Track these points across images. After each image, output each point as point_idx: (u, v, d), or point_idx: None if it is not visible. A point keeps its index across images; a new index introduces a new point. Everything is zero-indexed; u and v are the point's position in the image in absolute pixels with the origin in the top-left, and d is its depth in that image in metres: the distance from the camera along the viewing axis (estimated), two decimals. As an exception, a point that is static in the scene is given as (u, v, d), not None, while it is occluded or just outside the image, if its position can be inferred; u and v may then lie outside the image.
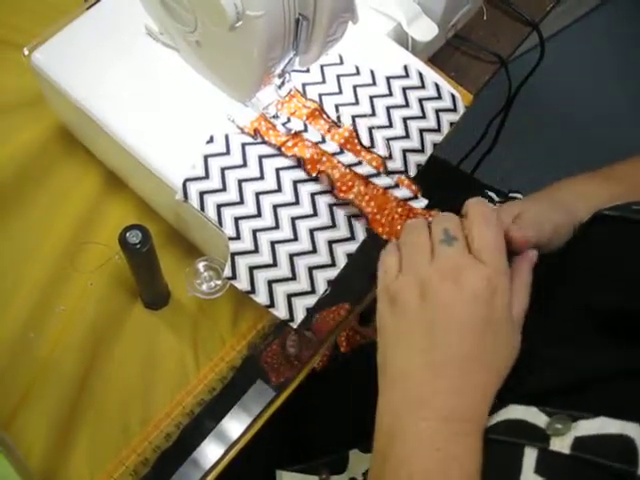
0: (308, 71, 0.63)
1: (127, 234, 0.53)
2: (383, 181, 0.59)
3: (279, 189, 0.58)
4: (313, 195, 0.59)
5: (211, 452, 0.60)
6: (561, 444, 0.42)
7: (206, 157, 0.58)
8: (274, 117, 0.59)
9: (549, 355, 0.50)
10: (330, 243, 0.58)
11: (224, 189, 0.57)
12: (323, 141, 0.58)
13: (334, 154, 0.58)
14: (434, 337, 0.47)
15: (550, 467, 0.42)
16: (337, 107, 0.62)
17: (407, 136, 0.62)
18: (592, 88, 1.92)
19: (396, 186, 0.59)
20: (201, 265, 0.58)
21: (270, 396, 0.61)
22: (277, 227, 0.57)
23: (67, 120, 0.70)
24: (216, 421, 0.60)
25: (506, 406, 0.47)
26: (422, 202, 0.58)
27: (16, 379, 0.59)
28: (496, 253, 0.49)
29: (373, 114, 0.62)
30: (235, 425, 0.61)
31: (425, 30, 0.70)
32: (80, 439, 0.58)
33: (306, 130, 0.58)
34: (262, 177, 0.58)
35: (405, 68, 0.65)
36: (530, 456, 0.43)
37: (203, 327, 0.64)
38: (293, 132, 0.58)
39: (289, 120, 0.59)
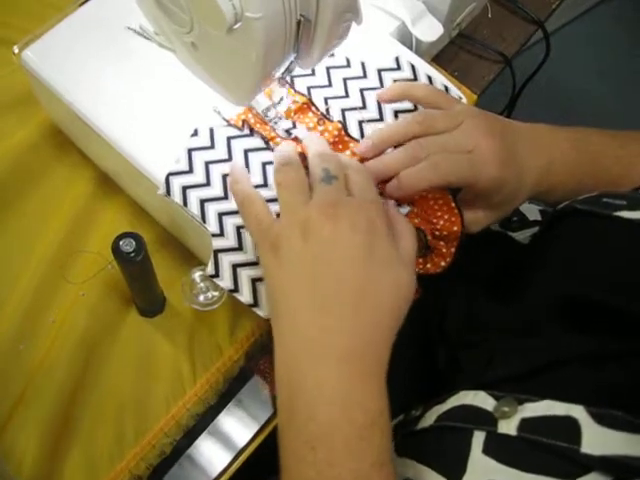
0: None
1: (120, 242, 0.52)
2: None
3: (265, 184, 0.56)
4: None
5: (208, 466, 0.58)
6: (508, 426, 0.43)
7: (190, 151, 0.56)
8: (274, 122, 0.57)
9: (508, 346, 0.51)
10: None
11: (208, 184, 0.55)
12: None
13: None
14: (318, 274, 0.46)
15: (497, 448, 0.42)
16: (326, 100, 0.60)
17: None
18: (596, 84, 1.90)
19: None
20: (197, 275, 0.56)
21: (269, 408, 0.60)
22: None
23: (58, 119, 0.68)
24: (212, 434, 0.59)
25: (457, 393, 0.48)
26: (404, 209, 0.56)
27: (6, 392, 0.57)
28: (368, 188, 0.50)
29: (363, 107, 0.60)
30: (233, 437, 0.59)
31: (430, 30, 0.68)
32: (73, 452, 0.57)
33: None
34: (248, 172, 0.56)
35: (397, 60, 0.63)
36: (479, 439, 0.43)
37: (200, 335, 0.62)
38: (293, 137, 0.56)
39: (294, 126, 0.57)
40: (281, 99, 0.57)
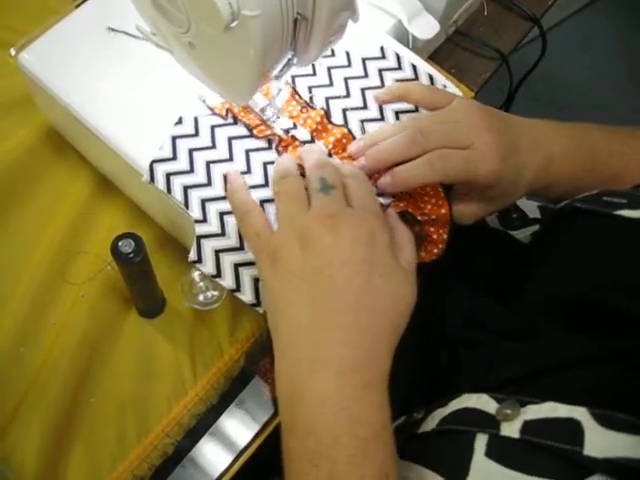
0: None
1: (119, 243, 0.51)
2: None
3: (248, 170, 0.56)
4: None
5: (210, 468, 0.58)
6: (510, 429, 0.42)
7: (174, 138, 0.56)
8: (272, 121, 0.57)
9: (509, 349, 0.50)
10: None
11: (192, 171, 0.55)
12: (294, 127, 0.57)
13: (304, 142, 0.57)
14: (319, 286, 0.45)
15: (500, 451, 0.42)
16: (310, 89, 0.60)
17: (382, 118, 0.60)
18: (592, 81, 1.91)
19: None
20: (196, 275, 0.56)
21: (271, 408, 0.60)
22: None
23: (56, 121, 0.68)
24: (214, 435, 0.59)
25: (459, 396, 0.47)
26: (388, 199, 0.56)
27: (8, 394, 0.57)
28: (368, 198, 0.50)
29: (347, 95, 0.60)
30: (235, 438, 0.59)
31: (426, 27, 0.68)
32: (75, 453, 0.57)
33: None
34: (231, 159, 0.56)
35: (382, 49, 0.63)
36: (481, 441, 0.43)
37: (200, 335, 0.62)
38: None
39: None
40: (279, 91, 0.57)
